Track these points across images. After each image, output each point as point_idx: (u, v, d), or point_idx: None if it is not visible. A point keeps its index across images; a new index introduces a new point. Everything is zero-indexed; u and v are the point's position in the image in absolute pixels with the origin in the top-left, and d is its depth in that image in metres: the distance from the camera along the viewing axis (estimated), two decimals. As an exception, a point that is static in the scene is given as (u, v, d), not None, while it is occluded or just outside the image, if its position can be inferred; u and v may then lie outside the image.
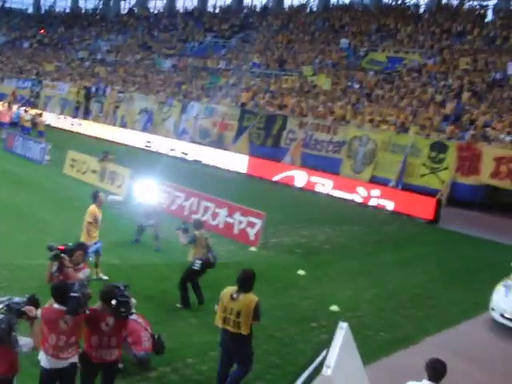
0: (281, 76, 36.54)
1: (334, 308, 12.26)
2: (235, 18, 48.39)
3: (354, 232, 19.21)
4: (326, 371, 4.71)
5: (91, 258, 11.95)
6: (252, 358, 8.51)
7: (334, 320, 10.20)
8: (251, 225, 16.64)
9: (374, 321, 11.85)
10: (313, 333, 11.05)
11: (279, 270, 14.44)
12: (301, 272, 14.35)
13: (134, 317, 8.63)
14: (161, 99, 37.10)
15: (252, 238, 16.52)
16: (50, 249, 9.10)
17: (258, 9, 50.77)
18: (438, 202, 21.96)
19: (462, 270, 16.22)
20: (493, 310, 12.62)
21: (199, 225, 12.13)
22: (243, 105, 33.33)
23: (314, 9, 47.16)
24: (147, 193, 15.91)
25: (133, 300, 7.85)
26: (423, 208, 21.88)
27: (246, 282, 8.32)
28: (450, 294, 13.73)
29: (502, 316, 12.36)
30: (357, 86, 33.22)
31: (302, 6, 48.75)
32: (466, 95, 28.58)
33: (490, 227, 20.77)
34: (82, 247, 9.54)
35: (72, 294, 6.95)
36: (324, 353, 5.38)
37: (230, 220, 17.13)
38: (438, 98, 29.14)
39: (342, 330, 8.89)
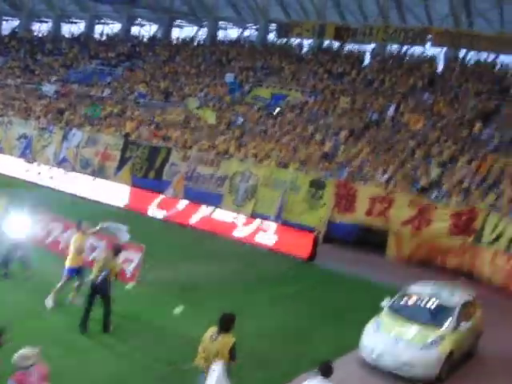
0: (166, 107, 36.44)
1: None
2: (122, 46, 47.92)
3: (231, 269, 19.17)
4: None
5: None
6: None
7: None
8: (128, 261, 16.23)
9: (248, 360, 11.86)
10: (188, 372, 10.92)
11: (155, 308, 14.22)
12: (177, 310, 14.14)
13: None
14: (41, 125, 35.90)
15: (128, 274, 16.14)
16: None
17: (145, 39, 50.53)
18: (315, 240, 22.31)
19: (335, 308, 16.58)
20: (363, 347, 13.03)
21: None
22: (127, 135, 32.89)
23: (202, 42, 47.56)
24: (18, 224, 15.27)
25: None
26: (300, 245, 22.07)
27: (225, 323, 9.04)
28: (324, 332, 14.03)
29: (372, 353, 12.79)
30: (241, 120, 33.71)
31: (190, 39, 49.06)
32: (343, 134, 29.69)
33: (363, 265, 21.52)
34: None
35: None
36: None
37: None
38: (318, 135, 30.08)
39: (216, 372, 8.84)
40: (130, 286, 15.54)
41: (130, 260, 16.19)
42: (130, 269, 16.18)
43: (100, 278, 12.35)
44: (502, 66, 34.67)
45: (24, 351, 7.82)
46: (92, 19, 54.15)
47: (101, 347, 11.97)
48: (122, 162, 30.84)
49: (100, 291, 12.50)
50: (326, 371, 8.92)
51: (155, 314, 13.90)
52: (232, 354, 8.92)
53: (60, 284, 13.66)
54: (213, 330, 9.11)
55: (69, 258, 13.85)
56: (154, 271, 17.17)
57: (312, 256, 21.73)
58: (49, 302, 13.48)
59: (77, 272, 13.70)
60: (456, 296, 14.13)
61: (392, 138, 28.88)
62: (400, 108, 31.11)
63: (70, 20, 57.56)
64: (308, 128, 31.04)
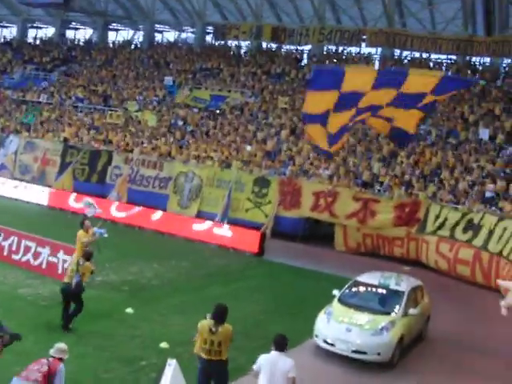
0: (105, 111, 36.01)
1: (164, 345, 12.16)
2: (57, 50, 47.00)
3: (182, 267, 19.21)
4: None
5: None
6: (228, 376, 9.59)
7: (163, 357, 10.13)
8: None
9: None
10: (142, 371, 10.87)
11: (106, 310, 14.04)
12: (129, 310, 14.07)
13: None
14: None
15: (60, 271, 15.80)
16: None
17: (81, 43, 49.71)
18: (263, 236, 22.64)
19: (288, 299, 16.81)
20: (316, 336, 13.23)
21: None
22: (66, 140, 32.33)
23: (139, 45, 47.17)
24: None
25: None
26: (249, 242, 22.41)
27: (221, 314, 9.47)
28: (279, 324, 14.07)
29: (325, 342, 12.99)
30: (181, 122, 33.63)
31: (127, 42, 48.60)
32: (284, 133, 30.01)
33: (312, 258, 21.90)
34: None
35: None
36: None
37: (53, 259, 16.35)
38: (260, 135, 30.32)
39: (171, 367, 8.85)
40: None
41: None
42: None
43: (74, 283, 12.46)
44: (434, 64, 35.77)
45: (62, 345, 8.54)
46: (24, 23, 52.80)
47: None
48: (63, 166, 30.35)
49: (72, 296, 12.61)
50: (281, 344, 8.84)
51: (106, 314, 13.72)
52: (231, 339, 9.53)
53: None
54: (207, 323, 9.40)
55: (76, 254, 14.21)
56: (104, 273, 17.00)
57: (261, 251, 21.99)
58: None
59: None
60: (403, 283, 14.49)
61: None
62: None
63: (2, 24, 56.04)
64: (249, 128, 31.23)
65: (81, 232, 15.03)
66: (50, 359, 8.33)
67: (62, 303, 12.71)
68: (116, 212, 25.84)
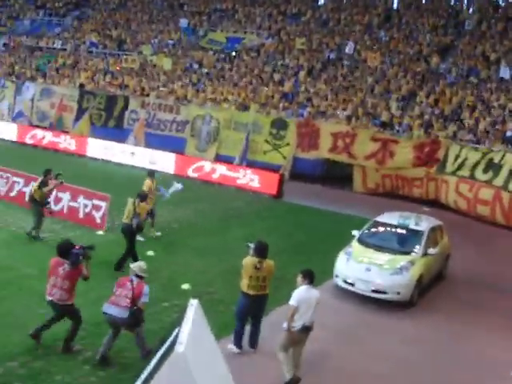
0: (120, 56, 35.67)
1: (185, 286, 12.31)
2: (69, -6, 46.37)
3: (200, 210, 19.24)
4: (179, 348, 4.68)
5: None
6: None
7: (185, 298, 10.21)
8: (97, 208, 16.20)
9: (225, 296, 12.03)
10: (165, 313, 11.03)
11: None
12: (150, 253, 14.20)
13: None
14: (-8, 80, 34.82)
15: (98, 221, 16.12)
16: None
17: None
18: (281, 178, 22.56)
19: (307, 240, 16.86)
20: (337, 276, 13.31)
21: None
22: (82, 86, 32.18)
23: (152, -13, 46.30)
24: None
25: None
26: (267, 183, 22.38)
27: (264, 251, 9.85)
28: (297, 265, 14.04)
29: (345, 282, 13.07)
30: (197, 65, 33.27)
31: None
32: (302, 74, 29.62)
33: (330, 199, 21.89)
34: None
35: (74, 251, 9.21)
36: (176, 331, 5.35)
37: (74, 204, 16.53)
38: (277, 76, 29.95)
39: (193, 307, 8.94)
40: (100, 232, 15.60)
41: (98, 207, 16.15)
42: (98, 216, 16.17)
43: (135, 223, 13.37)
44: (455, 1, 34.77)
45: (142, 263, 9.51)
46: (36, -32, 52.00)
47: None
48: (80, 112, 30.28)
49: (131, 235, 13.49)
50: (311, 277, 9.22)
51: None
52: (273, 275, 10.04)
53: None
54: (251, 260, 9.82)
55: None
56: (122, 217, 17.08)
57: (280, 193, 22.00)
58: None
59: (150, 213, 15.40)
60: (423, 223, 14.44)
61: (350, 75, 28.94)
62: (357, 46, 31.05)
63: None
64: (266, 70, 30.83)
65: (148, 181, 15.74)
66: (134, 281, 9.11)
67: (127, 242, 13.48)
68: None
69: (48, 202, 15.11)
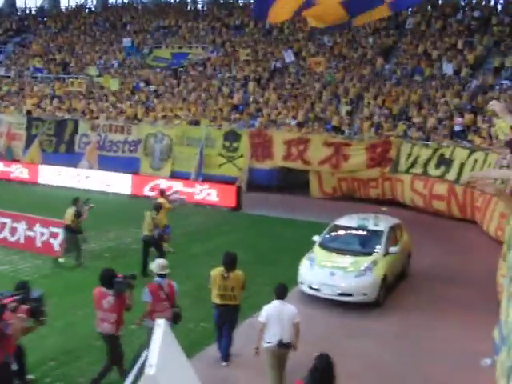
0: (66, 79, 35.26)
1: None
2: (9, 21, 45.66)
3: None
4: (149, 370, 4.62)
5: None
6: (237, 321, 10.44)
7: (153, 318, 10.13)
8: (54, 235, 15.94)
9: (193, 313, 11.92)
10: (135, 334, 10.87)
11: (92, 278, 13.95)
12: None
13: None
14: None
15: (57, 248, 15.85)
16: None
17: (33, 11, 48.32)
18: (239, 189, 22.62)
19: (270, 250, 16.93)
20: (301, 283, 13.36)
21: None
22: (29, 112, 31.71)
23: (93, 9, 46.04)
24: None
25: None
26: (225, 196, 22.43)
27: (230, 261, 10.01)
28: (262, 275, 14.18)
29: (310, 287, 13.13)
30: (144, 84, 33.13)
31: (81, 7, 47.40)
32: (250, 85, 29.77)
33: (289, 207, 22.04)
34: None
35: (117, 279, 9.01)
36: (145, 353, 5.30)
37: (30, 233, 16.27)
38: (225, 89, 30.03)
39: (161, 327, 8.87)
40: (61, 260, 15.42)
41: (56, 234, 15.90)
42: (56, 243, 15.91)
43: (156, 233, 14.62)
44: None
45: (161, 260, 9.88)
46: (-28, -4, 51.14)
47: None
48: (29, 140, 29.78)
49: (155, 244, 14.68)
50: (282, 293, 9.26)
51: (92, 284, 13.65)
52: (243, 285, 10.16)
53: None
54: (219, 270, 10.03)
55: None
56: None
57: (239, 205, 22.06)
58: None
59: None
60: (381, 223, 14.63)
61: (298, 83, 29.22)
62: (302, 53, 31.37)
63: None
64: (214, 83, 30.90)
65: (162, 199, 16.25)
66: (163, 282, 9.46)
67: (143, 252, 14.60)
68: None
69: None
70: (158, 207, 15.07)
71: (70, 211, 15.38)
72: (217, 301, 10.06)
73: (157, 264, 9.70)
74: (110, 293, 9.08)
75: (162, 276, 9.56)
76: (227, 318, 10.19)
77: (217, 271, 10.10)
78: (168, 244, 16.11)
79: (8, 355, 8.06)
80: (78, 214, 15.35)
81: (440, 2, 34.22)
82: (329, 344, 11.02)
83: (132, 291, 9.29)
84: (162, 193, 17.05)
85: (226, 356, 10.27)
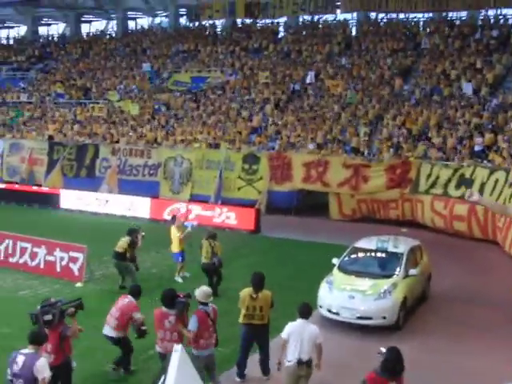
0: (87, 104, 35.71)
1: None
2: (32, 48, 46.41)
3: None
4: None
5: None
6: (269, 338, 10.59)
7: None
8: (73, 260, 16.06)
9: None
10: (151, 360, 10.86)
11: (109, 303, 13.98)
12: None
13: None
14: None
15: (76, 273, 15.95)
16: None
17: (55, 38, 49.10)
18: (258, 212, 22.60)
19: (289, 274, 16.82)
20: (321, 307, 13.25)
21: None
22: (51, 137, 32.10)
23: (113, 35, 46.67)
24: None
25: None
26: (244, 220, 22.41)
27: (260, 282, 10.31)
28: (283, 299, 14.06)
29: (329, 311, 13.02)
30: (164, 107, 33.42)
31: (101, 33, 48.08)
32: (269, 107, 29.87)
33: (308, 229, 21.95)
34: None
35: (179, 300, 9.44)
36: (162, 379, 5.28)
37: (50, 258, 16.38)
38: (244, 112, 30.18)
39: (177, 353, 8.89)
40: (79, 284, 15.48)
41: (75, 259, 16.00)
42: (76, 268, 16.01)
43: (217, 261, 14.94)
44: (413, 23, 35.49)
45: (205, 288, 9.84)
46: (-5, 24, 52.22)
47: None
48: (51, 164, 30.10)
49: (216, 271, 15.08)
50: (306, 312, 9.44)
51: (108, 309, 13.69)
52: (272, 304, 10.42)
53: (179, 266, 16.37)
54: (248, 291, 10.30)
55: (173, 245, 16.33)
56: (102, 266, 16.98)
57: (257, 228, 22.03)
58: (178, 278, 16.25)
59: (182, 255, 16.40)
60: (401, 245, 14.51)
61: (316, 105, 29.27)
62: (320, 75, 31.46)
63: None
64: (233, 106, 31.07)
65: (173, 227, 16.49)
66: (208, 309, 9.51)
67: (208, 278, 14.96)
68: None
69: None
70: (214, 236, 15.34)
71: (124, 240, 15.50)
72: (245, 321, 10.28)
73: (202, 292, 9.67)
74: (172, 313, 9.42)
75: (205, 304, 9.60)
76: (257, 339, 10.44)
77: (246, 292, 10.34)
78: (183, 269, 16.43)
79: (68, 355, 8.86)
80: (132, 244, 15.59)
81: (458, 22, 34.19)
82: (347, 368, 10.94)
83: (187, 311, 9.66)
84: (175, 219, 17.38)
85: (265, 371, 10.58)
